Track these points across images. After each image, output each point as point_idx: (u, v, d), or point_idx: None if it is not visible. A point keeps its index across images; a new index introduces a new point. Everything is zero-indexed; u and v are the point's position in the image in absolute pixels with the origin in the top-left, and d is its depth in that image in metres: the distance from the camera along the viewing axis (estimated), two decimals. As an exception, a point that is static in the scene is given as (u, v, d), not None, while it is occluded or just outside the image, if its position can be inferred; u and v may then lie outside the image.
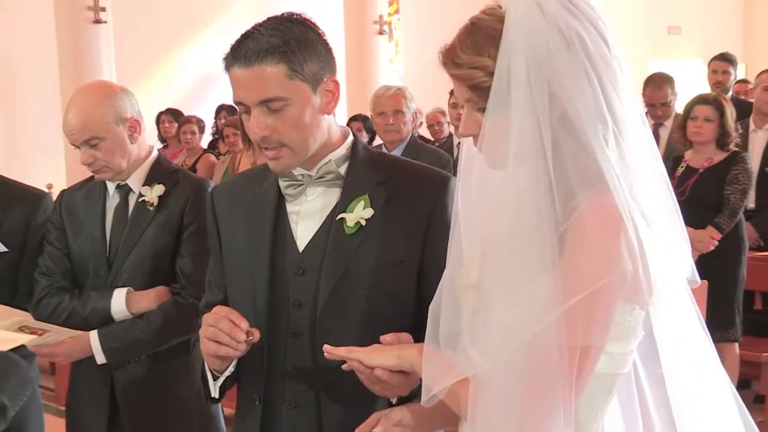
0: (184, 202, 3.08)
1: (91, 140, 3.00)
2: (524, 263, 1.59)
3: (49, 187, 8.24)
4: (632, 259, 1.55)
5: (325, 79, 2.07)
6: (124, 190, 3.12)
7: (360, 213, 2.07)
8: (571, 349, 1.54)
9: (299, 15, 2.09)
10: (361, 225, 2.06)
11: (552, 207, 1.59)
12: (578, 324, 1.54)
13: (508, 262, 1.62)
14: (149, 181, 3.11)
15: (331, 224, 2.10)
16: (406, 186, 2.11)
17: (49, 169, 10.25)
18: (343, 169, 2.13)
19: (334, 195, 2.13)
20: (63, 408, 3.33)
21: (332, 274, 2.07)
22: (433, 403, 1.70)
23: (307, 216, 2.14)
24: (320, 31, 2.10)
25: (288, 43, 1.99)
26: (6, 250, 3.17)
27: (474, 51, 1.65)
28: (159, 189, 3.08)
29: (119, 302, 3.03)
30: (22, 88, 11.86)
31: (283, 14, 2.08)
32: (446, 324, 1.73)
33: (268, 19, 2.07)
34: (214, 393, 2.15)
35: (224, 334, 1.95)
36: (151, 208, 3.08)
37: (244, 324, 1.96)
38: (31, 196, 3.33)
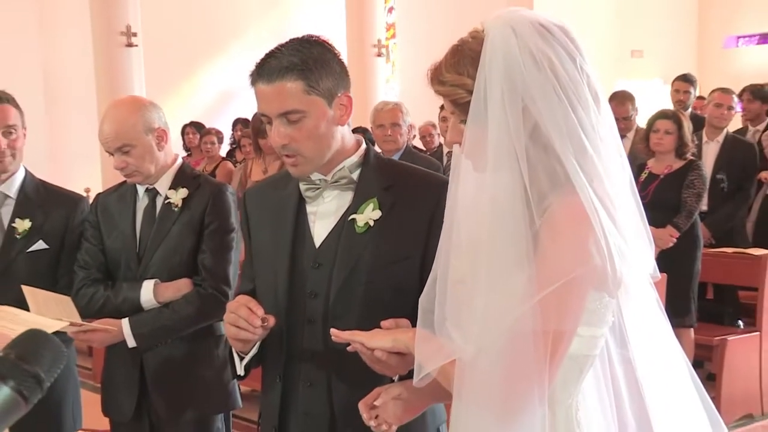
0: (204, 204, 3.07)
1: (123, 147, 3.00)
2: (503, 259, 1.59)
3: (87, 191, 8.21)
4: (599, 252, 1.55)
5: (339, 94, 2.07)
6: (152, 193, 3.12)
7: (369, 214, 2.07)
8: (545, 334, 1.54)
9: (317, 37, 2.10)
10: (370, 225, 2.06)
11: (526, 208, 1.59)
12: (551, 311, 1.54)
13: (489, 259, 1.61)
14: (174, 185, 3.10)
15: (344, 224, 2.10)
16: (411, 190, 2.11)
17: (87, 175, 10.24)
18: (355, 175, 2.13)
19: (347, 197, 2.12)
20: (98, 385, 3.33)
21: (343, 268, 2.07)
22: (426, 382, 1.71)
23: (323, 216, 2.14)
24: (336, 52, 2.10)
25: (306, 61, 2.00)
26: (47, 247, 3.17)
27: (456, 71, 1.66)
28: (183, 192, 3.08)
29: (147, 292, 3.04)
30: (64, 104, 11.86)
31: (303, 36, 2.08)
32: (438, 313, 1.72)
33: (290, 40, 2.07)
34: (240, 371, 2.15)
35: (243, 320, 1.96)
36: (175, 209, 3.07)
37: (260, 311, 1.97)
38: (70, 200, 3.33)
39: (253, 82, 2.05)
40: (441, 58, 1.71)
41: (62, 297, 3.05)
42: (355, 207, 2.10)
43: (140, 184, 3.12)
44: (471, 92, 1.62)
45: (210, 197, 3.09)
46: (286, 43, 2.06)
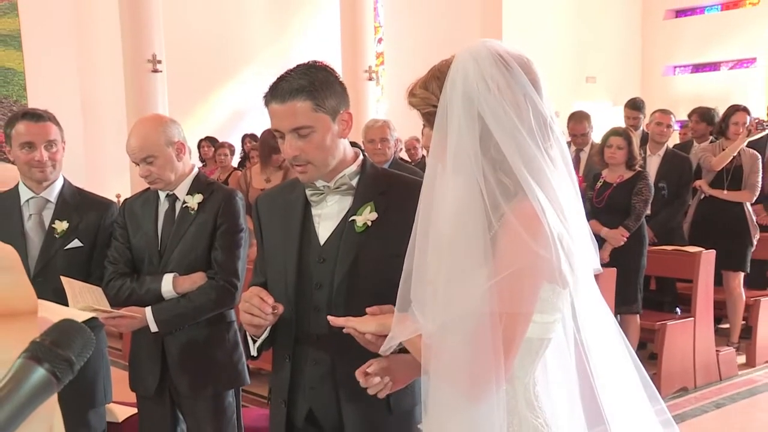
0: (217, 207, 3.06)
1: (148, 158, 3.00)
2: (463, 255, 1.59)
3: (118, 196, 8.21)
4: (547, 248, 1.54)
5: (341, 111, 2.07)
6: (172, 198, 3.11)
7: (367, 216, 2.07)
8: (500, 315, 1.53)
9: (321, 62, 2.10)
10: (368, 225, 2.07)
11: (484, 213, 1.58)
12: (504, 296, 1.53)
13: (450, 253, 1.61)
14: (191, 191, 3.09)
15: (345, 224, 2.09)
16: (402, 195, 2.09)
17: (118, 183, 10.21)
18: (354, 182, 2.13)
19: (347, 202, 2.12)
20: (126, 364, 3.32)
21: (345, 263, 2.06)
22: (390, 351, 1.74)
23: (327, 218, 2.13)
24: (337, 75, 2.10)
25: (313, 83, 2.00)
26: (82, 245, 3.17)
27: (425, 87, 1.69)
28: (198, 197, 3.07)
29: (167, 284, 3.03)
30: (99, 122, 11.83)
31: (308, 62, 2.08)
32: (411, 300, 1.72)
33: (298, 65, 2.06)
34: (254, 352, 2.15)
35: (256, 308, 1.97)
36: (192, 212, 3.07)
37: (270, 300, 1.99)
38: (102, 204, 3.32)
39: (267, 102, 2.04)
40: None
41: (94, 287, 3.04)
42: (354, 209, 2.09)
43: (161, 190, 3.10)
44: (435, 105, 1.65)
45: (222, 202, 3.07)
46: (294, 68, 2.06)
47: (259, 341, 2.12)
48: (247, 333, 2.13)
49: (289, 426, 2.17)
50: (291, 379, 2.14)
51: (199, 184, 3.13)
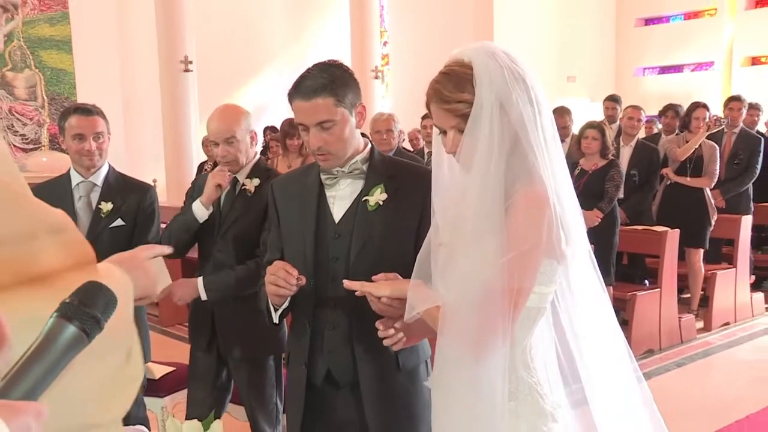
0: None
1: (230, 139, 2.97)
2: (480, 229, 1.57)
3: (154, 181, 8.15)
4: (549, 228, 1.53)
5: (357, 104, 2.05)
6: (233, 180, 3.07)
7: (378, 197, 2.04)
8: (510, 290, 1.52)
9: (337, 61, 2.06)
10: (380, 204, 2.04)
11: (501, 193, 1.57)
12: (514, 273, 1.52)
13: (472, 228, 1.59)
14: (250, 175, 3.06)
15: (358, 204, 2.07)
16: (408, 179, 2.08)
17: (155, 169, 10.23)
18: (365, 167, 2.10)
19: (359, 184, 2.09)
20: (165, 329, 3.32)
21: (360, 238, 2.04)
22: (414, 319, 1.69)
23: (340, 198, 2.10)
24: (352, 72, 2.06)
25: (334, 81, 1.96)
26: (124, 224, 3.17)
27: (457, 89, 1.60)
28: (256, 181, 3.05)
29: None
30: (137, 116, 11.80)
31: (326, 61, 2.04)
32: (427, 268, 1.72)
33: (317, 64, 2.02)
34: (276, 320, 2.12)
35: (282, 279, 1.94)
36: (249, 194, 3.04)
37: (295, 272, 1.95)
38: (141, 188, 3.31)
39: (292, 99, 2.00)
40: (431, 84, 1.65)
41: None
42: (366, 191, 2.07)
43: (233, 172, 3.05)
44: (471, 104, 1.58)
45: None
46: (314, 66, 2.01)
47: (280, 309, 2.10)
48: (270, 302, 2.10)
49: (309, 385, 2.15)
50: (311, 343, 2.12)
51: (258, 170, 3.10)
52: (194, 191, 3.15)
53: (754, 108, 7.98)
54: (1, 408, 0.69)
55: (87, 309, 0.92)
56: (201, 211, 3.02)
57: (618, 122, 7.20)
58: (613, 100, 7.57)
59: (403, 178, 2.09)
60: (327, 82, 1.96)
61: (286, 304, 2.09)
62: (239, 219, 3.03)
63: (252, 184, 3.04)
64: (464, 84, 1.59)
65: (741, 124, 7.26)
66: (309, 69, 2.01)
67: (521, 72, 1.58)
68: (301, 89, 1.97)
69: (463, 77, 1.60)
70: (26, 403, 0.75)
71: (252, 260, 3.01)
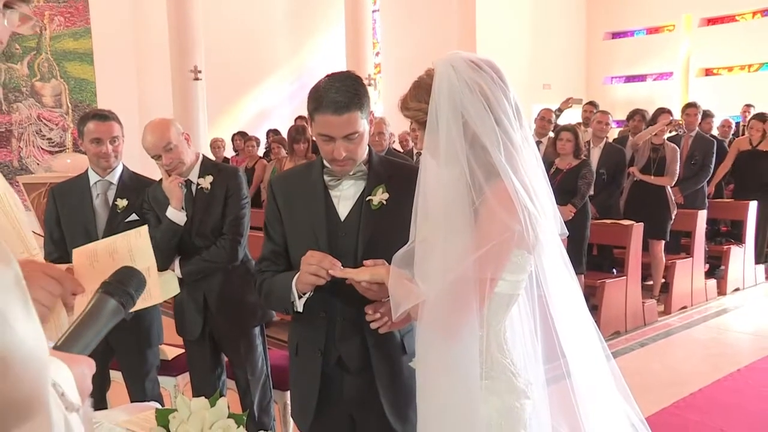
0: (225, 183, 3.02)
1: (167, 146, 2.93)
2: (452, 227, 1.56)
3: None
4: (519, 222, 1.52)
5: (370, 113, 1.99)
6: (188, 183, 3.04)
7: (381, 196, 1.98)
8: (482, 280, 1.51)
9: (352, 72, 1.97)
10: (383, 203, 1.98)
11: (468, 192, 1.55)
12: (486, 265, 1.51)
13: (443, 226, 1.58)
14: (201, 174, 3.04)
15: (362, 204, 2.00)
16: (405, 178, 1.97)
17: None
18: (365, 168, 2.03)
19: (361, 185, 2.02)
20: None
21: (365, 235, 1.97)
22: (403, 317, 1.68)
23: (345, 198, 2.03)
24: (363, 82, 1.97)
25: (358, 95, 1.87)
26: (138, 219, 3.10)
27: (416, 100, 1.62)
28: (209, 178, 3.02)
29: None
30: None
31: (343, 73, 1.94)
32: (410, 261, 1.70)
33: (334, 76, 1.91)
34: (300, 308, 1.98)
35: (323, 270, 1.82)
36: (206, 192, 3.02)
37: (338, 263, 1.83)
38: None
39: (317, 112, 1.88)
40: (406, 91, 1.67)
41: (168, 271, 2.99)
42: (369, 191, 2.00)
43: (182, 174, 3.00)
44: (427, 113, 1.58)
45: (228, 178, 3.03)
46: (333, 79, 1.89)
47: (305, 297, 1.98)
48: (296, 290, 1.96)
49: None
50: (327, 332, 2.05)
51: (207, 167, 3.06)
52: (151, 207, 3.05)
53: (707, 115, 8.08)
54: (65, 358, 0.81)
55: (124, 287, 1.05)
56: (177, 215, 2.95)
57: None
58: (590, 104, 7.71)
59: (401, 177, 2.02)
60: (354, 96, 1.87)
61: (311, 292, 1.97)
62: (206, 216, 3.00)
63: (206, 182, 3.01)
64: (423, 93, 1.59)
65: (697, 129, 7.31)
66: (329, 81, 1.90)
67: (481, 83, 1.56)
68: (329, 104, 1.86)
69: (424, 87, 1.60)
70: (81, 356, 0.88)
71: (219, 240, 3.01)
